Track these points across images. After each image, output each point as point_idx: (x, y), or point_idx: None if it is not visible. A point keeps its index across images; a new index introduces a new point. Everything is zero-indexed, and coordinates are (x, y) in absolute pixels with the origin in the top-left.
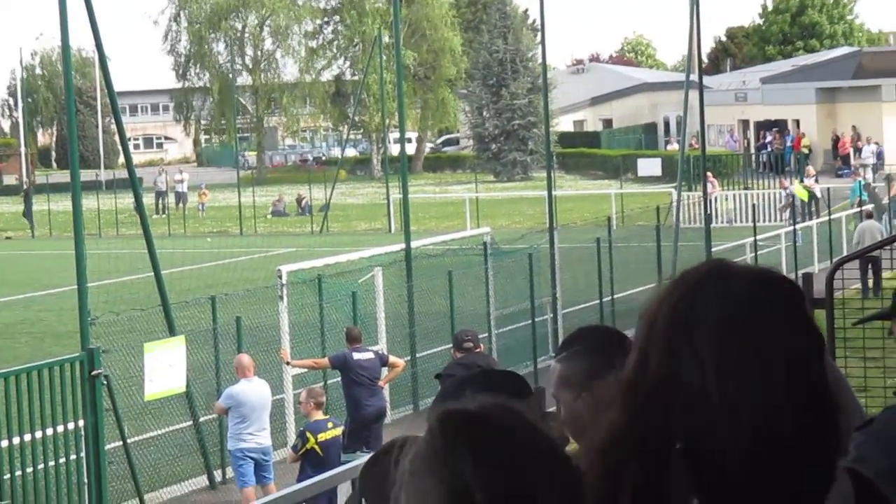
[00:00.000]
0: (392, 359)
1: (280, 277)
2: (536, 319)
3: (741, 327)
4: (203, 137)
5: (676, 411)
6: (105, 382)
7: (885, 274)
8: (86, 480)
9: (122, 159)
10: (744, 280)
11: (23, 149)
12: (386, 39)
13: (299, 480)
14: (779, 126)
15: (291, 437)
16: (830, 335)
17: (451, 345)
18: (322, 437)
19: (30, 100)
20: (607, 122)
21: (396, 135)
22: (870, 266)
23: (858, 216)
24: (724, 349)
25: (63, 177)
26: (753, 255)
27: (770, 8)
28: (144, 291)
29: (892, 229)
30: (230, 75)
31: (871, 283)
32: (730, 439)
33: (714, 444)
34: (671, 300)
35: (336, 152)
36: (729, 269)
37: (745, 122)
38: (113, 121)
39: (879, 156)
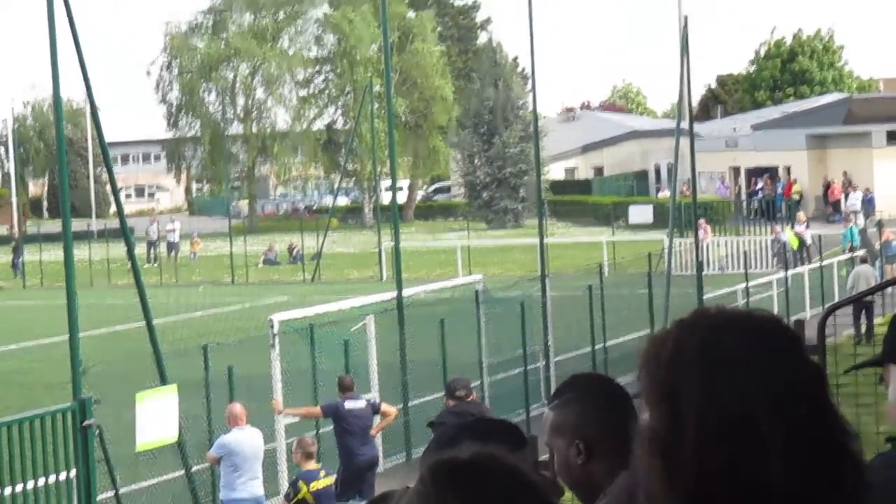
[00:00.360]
0: (384, 407)
1: (272, 326)
2: (529, 367)
3: (767, 365)
4: (195, 186)
5: (726, 449)
6: (97, 432)
7: (878, 320)
8: None
9: (113, 209)
10: (755, 321)
11: (14, 199)
12: (377, 88)
13: None
14: (770, 172)
15: (284, 486)
16: None
17: (443, 393)
18: (314, 485)
19: (21, 150)
20: (598, 170)
21: (388, 183)
22: (863, 311)
23: (850, 262)
24: (762, 385)
25: (55, 226)
26: (745, 301)
27: (762, 54)
28: (136, 341)
29: (883, 275)
30: (221, 124)
31: (863, 328)
32: (768, 472)
33: (754, 476)
34: (694, 344)
35: (327, 201)
36: (733, 311)
37: (736, 169)
38: (104, 170)
39: (870, 202)
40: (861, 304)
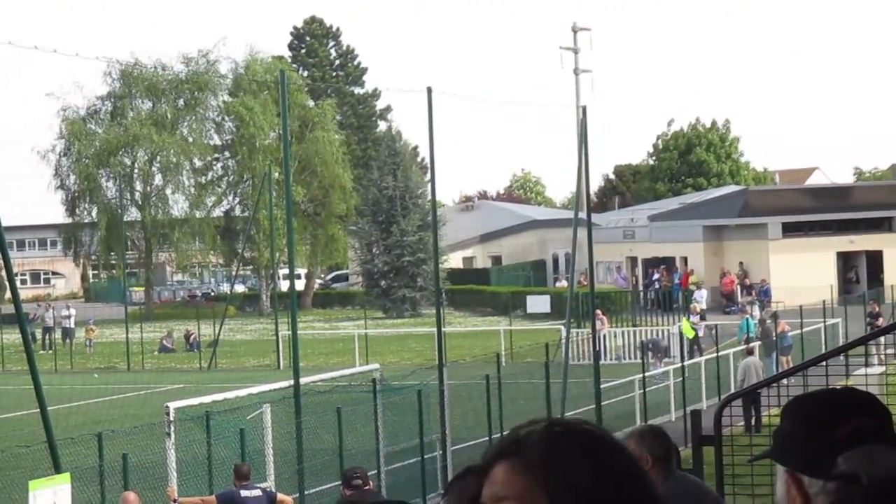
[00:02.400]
0: (280, 496)
1: (167, 414)
2: (426, 456)
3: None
4: (91, 273)
5: None
6: None
7: (773, 410)
8: None
9: (8, 294)
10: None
11: None
12: (276, 176)
13: None
14: (666, 263)
15: None
16: (719, 472)
17: (340, 482)
18: None
19: None
20: (496, 259)
21: (286, 271)
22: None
23: (746, 354)
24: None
25: None
26: (642, 391)
27: (661, 146)
28: (30, 428)
29: (778, 366)
30: (119, 210)
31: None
32: None
33: None
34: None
35: (225, 288)
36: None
37: (634, 260)
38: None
39: (766, 293)
40: (750, 395)
